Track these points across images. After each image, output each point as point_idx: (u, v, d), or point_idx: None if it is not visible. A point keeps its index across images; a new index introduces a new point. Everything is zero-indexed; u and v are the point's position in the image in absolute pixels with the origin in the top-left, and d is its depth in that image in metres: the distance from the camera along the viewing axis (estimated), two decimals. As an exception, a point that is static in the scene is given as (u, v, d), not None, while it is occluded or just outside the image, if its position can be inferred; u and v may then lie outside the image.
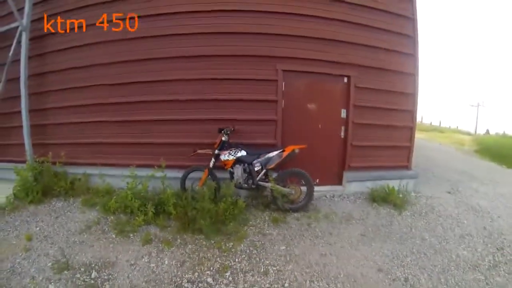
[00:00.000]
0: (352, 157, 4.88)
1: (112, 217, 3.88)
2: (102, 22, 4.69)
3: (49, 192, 4.41)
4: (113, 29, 4.65)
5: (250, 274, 3.02)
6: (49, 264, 2.97)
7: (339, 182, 4.98)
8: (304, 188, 4.30)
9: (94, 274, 2.86)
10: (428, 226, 4.06)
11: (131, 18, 4.61)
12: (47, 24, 4.94)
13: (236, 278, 2.95)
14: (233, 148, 4.29)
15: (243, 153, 4.27)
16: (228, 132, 4.29)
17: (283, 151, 4.25)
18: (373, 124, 4.90)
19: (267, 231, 3.80)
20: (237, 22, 4.52)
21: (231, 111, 4.60)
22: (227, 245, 3.46)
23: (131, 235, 3.54)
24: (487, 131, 24.90)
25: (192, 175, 4.40)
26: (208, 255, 3.28)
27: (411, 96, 5.10)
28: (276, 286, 2.87)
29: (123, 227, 3.60)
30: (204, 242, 3.51)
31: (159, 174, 4.12)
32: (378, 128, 4.92)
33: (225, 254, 3.30)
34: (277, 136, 4.68)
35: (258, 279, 2.95)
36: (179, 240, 3.52)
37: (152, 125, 4.71)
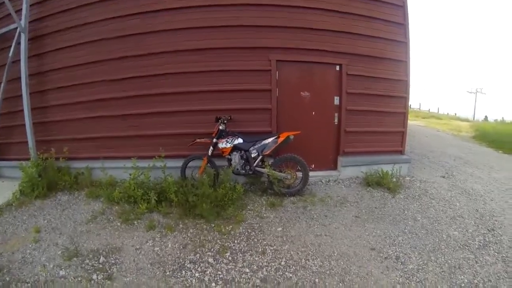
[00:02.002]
0: (346, 142, 5.03)
1: (116, 207, 4.04)
2: (100, 20, 4.79)
3: (54, 187, 4.56)
4: (111, 26, 4.76)
5: (249, 254, 3.20)
6: (59, 252, 3.14)
7: (334, 167, 5.13)
8: (299, 173, 4.46)
9: (102, 259, 3.04)
10: (421, 208, 4.20)
11: (129, 14, 4.72)
12: (44, 23, 5.05)
13: (236, 258, 3.13)
14: (230, 136, 4.44)
15: (240, 140, 4.42)
16: (225, 121, 4.45)
17: (278, 137, 4.40)
18: (366, 110, 5.02)
19: (265, 214, 3.97)
20: (230, 15, 4.62)
21: (228, 101, 4.74)
22: (227, 228, 3.64)
23: (135, 222, 3.72)
24: (486, 118, 24.78)
25: (191, 163, 4.58)
26: (209, 237, 3.46)
27: (403, 83, 5.20)
28: (273, 264, 3.04)
29: (127, 216, 3.78)
30: (204, 226, 3.68)
31: (159, 164, 4.28)
32: (371, 114, 5.04)
33: (225, 236, 3.48)
34: (272, 124, 4.82)
35: (256, 258, 3.13)
36: (181, 225, 3.70)
37: (151, 117, 4.84)
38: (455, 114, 24.78)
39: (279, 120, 4.85)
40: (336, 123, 5.04)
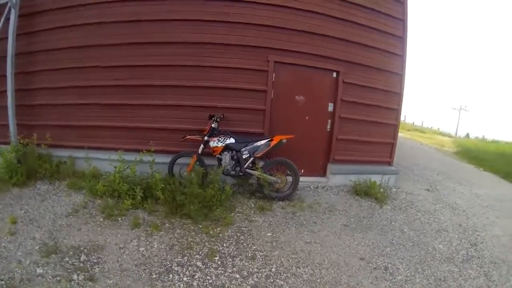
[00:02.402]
0: (337, 150, 5.04)
1: (99, 201, 3.83)
2: (99, 2, 4.53)
3: (34, 175, 4.28)
4: (107, 10, 4.51)
5: (238, 258, 3.12)
6: (36, 247, 2.91)
7: (323, 174, 5.14)
8: (289, 178, 4.43)
9: (83, 257, 2.85)
10: (407, 220, 4.29)
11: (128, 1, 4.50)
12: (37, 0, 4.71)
13: (225, 262, 3.04)
14: (222, 135, 4.33)
15: (232, 140, 4.32)
16: (218, 120, 4.33)
17: (271, 140, 4.34)
18: (358, 119, 5.06)
19: (254, 218, 3.90)
20: (232, 11, 4.50)
21: (221, 99, 4.62)
22: (215, 230, 3.54)
23: (119, 219, 3.54)
24: (467, 135, 25.72)
25: (179, 160, 4.42)
26: (197, 239, 3.35)
27: (397, 95, 5.29)
28: (264, 270, 2.98)
29: (111, 211, 3.58)
30: (192, 227, 3.57)
31: (147, 158, 4.10)
32: (363, 123, 5.09)
33: (213, 239, 3.38)
34: (265, 126, 4.76)
35: (246, 263, 3.06)
36: (167, 225, 3.56)
37: (142, 109, 4.65)
38: (438, 128, 25.37)
39: (272, 122, 4.78)
40: (328, 129, 5.04)
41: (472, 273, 3.32)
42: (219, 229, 3.57)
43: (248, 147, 4.33)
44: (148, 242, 3.20)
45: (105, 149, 4.59)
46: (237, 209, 4.08)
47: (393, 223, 4.15)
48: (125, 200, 3.71)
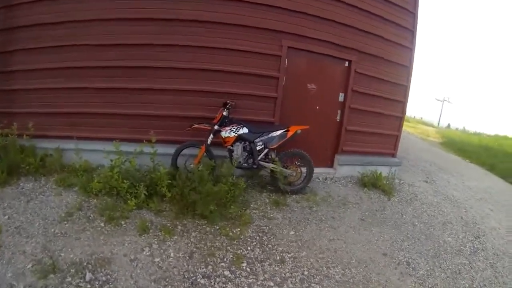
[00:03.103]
0: (345, 141, 4.89)
1: (95, 200, 3.26)
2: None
3: (16, 171, 3.57)
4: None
5: (267, 263, 2.86)
6: (29, 266, 2.33)
7: (331, 165, 4.99)
8: (304, 170, 4.20)
9: (88, 275, 2.34)
10: (416, 213, 4.32)
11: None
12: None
13: (254, 269, 2.75)
14: (234, 125, 3.91)
15: (245, 130, 3.92)
16: (230, 107, 3.88)
17: (287, 130, 4.03)
18: (367, 110, 4.93)
19: (272, 215, 3.64)
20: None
21: (231, 84, 4.17)
22: (234, 231, 3.22)
23: (123, 222, 3.03)
24: (448, 125, 27.18)
25: (184, 151, 3.93)
26: (217, 243, 2.99)
27: (404, 88, 5.23)
28: (296, 274, 2.78)
29: (111, 213, 3.04)
30: (208, 228, 3.19)
31: (147, 149, 3.56)
32: (371, 115, 4.98)
33: (235, 242, 3.06)
34: (275, 114, 4.42)
35: (277, 268, 2.81)
36: (179, 227, 3.14)
37: (140, 94, 4.03)
38: (421, 118, 26.06)
39: (283, 111, 4.45)
40: (338, 120, 4.85)
41: (480, 265, 3.45)
42: (238, 229, 3.24)
43: (263, 138, 3.97)
44: (162, 251, 2.76)
45: (98, 139, 3.95)
46: (251, 205, 3.77)
47: (404, 216, 4.16)
48: (128, 201, 3.18)
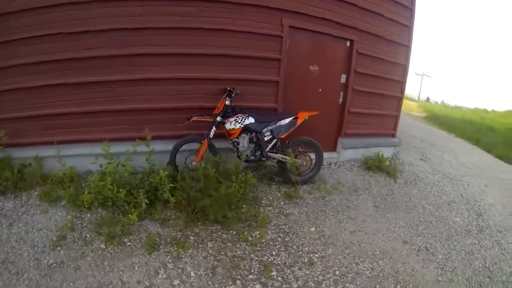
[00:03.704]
0: (348, 123, 4.68)
1: (88, 215, 2.75)
2: None
3: None
4: None
5: (297, 267, 2.63)
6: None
7: (334, 149, 4.78)
8: (313, 157, 3.94)
9: (101, 313, 1.92)
10: (422, 195, 4.30)
11: None
12: None
13: (285, 276, 2.51)
14: (239, 114, 3.49)
15: (251, 120, 3.52)
16: (234, 95, 3.43)
17: (296, 118, 3.70)
18: (369, 91, 4.71)
19: (287, 211, 3.38)
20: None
21: (229, 69, 3.72)
22: (253, 234, 2.92)
23: (126, 240, 2.58)
24: (428, 99, 27.65)
25: (183, 147, 3.46)
26: (238, 252, 2.69)
27: (403, 67, 5.08)
28: (328, 276, 2.60)
29: (111, 230, 2.57)
30: (224, 235, 2.86)
31: (141, 148, 3.06)
32: (373, 96, 4.79)
33: (258, 247, 2.77)
34: (278, 100, 4.05)
35: (307, 272, 2.60)
36: (192, 237, 2.77)
37: (129, 86, 3.44)
38: None
39: (285, 95, 4.09)
40: (340, 102, 4.59)
41: (488, 243, 3.50)
42: (257, 232, 2.95)
43: (270, 127, 3.61)
44: (180, 270, 2.40)
45: (83, 141, 3.38)
46: (263, 201, 3.47)
47: (412, 199, 4.12)
48: (129, 215, 2.70)
